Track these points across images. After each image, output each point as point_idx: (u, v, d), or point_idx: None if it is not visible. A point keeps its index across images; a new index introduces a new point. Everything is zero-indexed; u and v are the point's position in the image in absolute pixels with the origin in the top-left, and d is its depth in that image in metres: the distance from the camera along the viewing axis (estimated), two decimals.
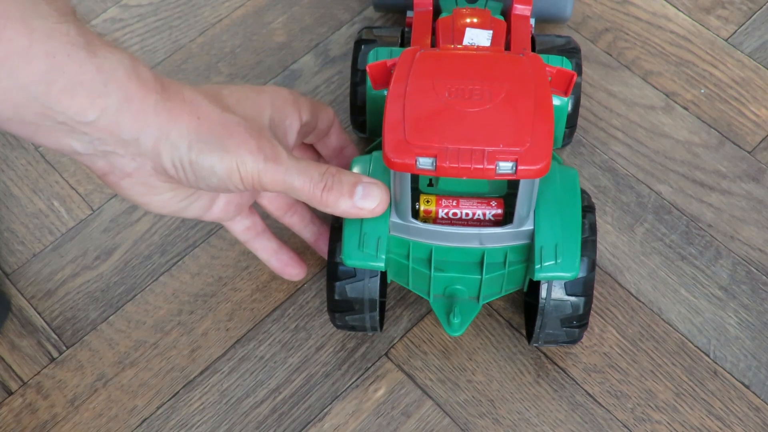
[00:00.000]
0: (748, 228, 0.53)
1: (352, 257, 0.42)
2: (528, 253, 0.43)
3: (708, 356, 0.49)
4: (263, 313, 0.52)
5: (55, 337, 0.51)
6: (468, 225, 0.43)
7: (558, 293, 0.43)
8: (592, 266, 0.43)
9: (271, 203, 0.49)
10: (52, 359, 0.50)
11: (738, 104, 0.58)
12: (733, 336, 0.50)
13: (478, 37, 0.49)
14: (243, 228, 0.48)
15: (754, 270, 0.52)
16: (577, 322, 0.44)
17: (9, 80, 0.34)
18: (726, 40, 0.61)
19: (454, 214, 0.43)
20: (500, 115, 0.38)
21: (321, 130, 0.48)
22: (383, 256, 0.42)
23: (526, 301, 0.50)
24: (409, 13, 0.55)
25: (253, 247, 0.49)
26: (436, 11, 0.53)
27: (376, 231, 0.42)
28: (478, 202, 0.43)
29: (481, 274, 0.43)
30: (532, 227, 0.42)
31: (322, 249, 0.50)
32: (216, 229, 0.54)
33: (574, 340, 0.46)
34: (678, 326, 0.50)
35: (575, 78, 0.43)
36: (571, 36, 0.60)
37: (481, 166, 0.37)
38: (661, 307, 0.51)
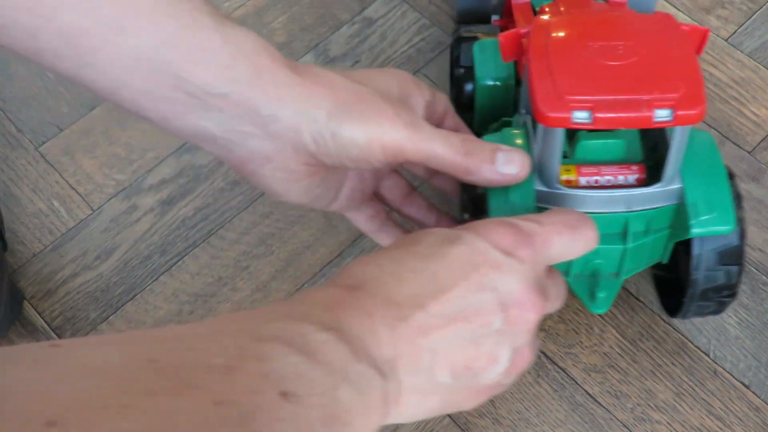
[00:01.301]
0: (748, 228, 0.53)
1: None
2: (673, 217, 0.42)
3: (708, 356, 0.49)
4: None
5: (56, 337, 0.51)
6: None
7: (710, 264, 0.42)
8: (743, 234, 0.42)
9: (389, 192, 0.48)
10: None
11: (738, 104, 0.58)
12: (733, 336, 0.50)
13: None
14: (367, 216, 0.47)
15: (754, 270, 0.52)
16: (728, 292, 0.44)
17: (136, 41, 0.33)
18: (726, 40, 0.61)
19: (596, 181, 0.43)
20: (649, 66, 0.38)
21: (438, 113, 0.46)
22: None
23: (658, 275, 0.50)
24: (494, 17, 0.56)
25: (379, 237, 0.49)
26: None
27: (525, 201, 0.41)
28: (619, 167, 0.43)
29: (625, 243, 0.42)
30: (680, 185, 0.41)
31: None
32: (216, 229, 0.54)
33: (721, 311, 0.46)
34: (678, 326, 0.50)
35: (708, 35, 0.42)
36: None
37: (639, 114, 0.37)
38: (661, 307, 0.51)
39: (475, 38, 0.52)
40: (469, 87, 0.52)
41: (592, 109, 0.37)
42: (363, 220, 0.48)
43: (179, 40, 0.34)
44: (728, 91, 0.58)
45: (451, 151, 0.39)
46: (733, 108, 0.58)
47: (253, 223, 0.55)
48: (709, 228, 0.40)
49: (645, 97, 0.37)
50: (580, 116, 0.37)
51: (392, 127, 0.38)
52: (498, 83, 0.50)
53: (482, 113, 0.52)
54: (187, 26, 0.34)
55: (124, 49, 0.34)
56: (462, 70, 0.52)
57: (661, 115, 0.37)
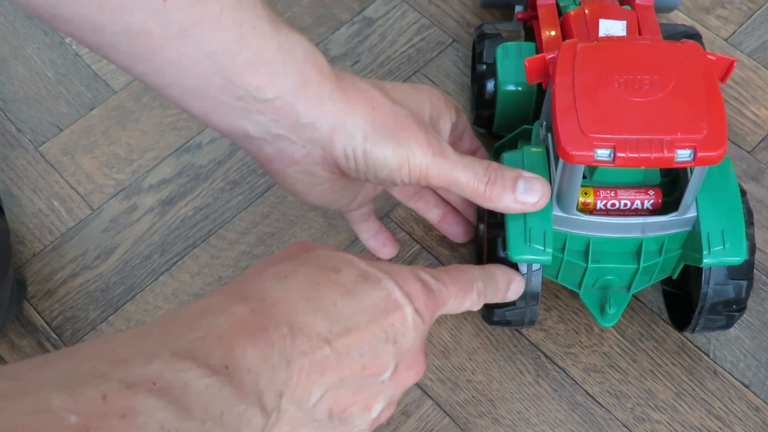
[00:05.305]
0: None
1: (519, 252, 0.42)
2: (685, 240, 0.43)
3: (708, 356, 0.49)
4: None
5: (55, 336, 0.51)
6: (625, 215, 0.43)
7: (720, 278, 0.43)
8: (753, 249, 0.43)
9: (400, 191, 0.49)
10: None
11: (738, 104, 0.58)
12: (732, 336, 0.50)
13: (613, 27, 0.49)
14: (360, 213, 0.49)
15: (755, 270, 0.52)
16: (736, 306, 0.44)
17: (198, 46, 0.34)
18: (726, 40, 0.61)
19: (613, 204, 0.43)
20: (674, 104, 0.38)
21: (458, 133, 0.48)
22: (550, 250, 0.41)
23: (667, 290, 0.50)
24: (517, 8, 0.56)
25: (359, 228, 0.50)
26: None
27: (542, 225, 0.42)
28: (635, 192, 0.43)
29: (639, 263, 0.43)
30: (695, 214, 0.42)
31: (446, 230, 0.51)
32: (216, 228, 0.54)
33: (730, 325, 0.46)
34: None
35: (735, 65, 0.43)
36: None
37: (661, 155, 0.37)
38: (661, 307, 0.51)
39: (499, 35, 0.53)
40: (490, 84, 0.52)
41: (614, 148, 0.37)
42: (356, 215, 0.49)
43: (238, 47, 0.34)
44: (728, 91, 0.58)
45: (474, 179, 0.40)
46: (733, 108, 0.58)
47: (253, 223, 0.55)
48: (721, 259, 0.41)
49: (667, 138, 0.37)
50: (602, 154, 0.38)
51: (421, 152, 0.39)
52: (520, 88, 0.50)
53: (503, 116, 0.52)
54: (248, 34, 0.34)
55: (183, 53, 0.34)
56: (484, 66, 0.52)
57: (683, 155, 0.37)
